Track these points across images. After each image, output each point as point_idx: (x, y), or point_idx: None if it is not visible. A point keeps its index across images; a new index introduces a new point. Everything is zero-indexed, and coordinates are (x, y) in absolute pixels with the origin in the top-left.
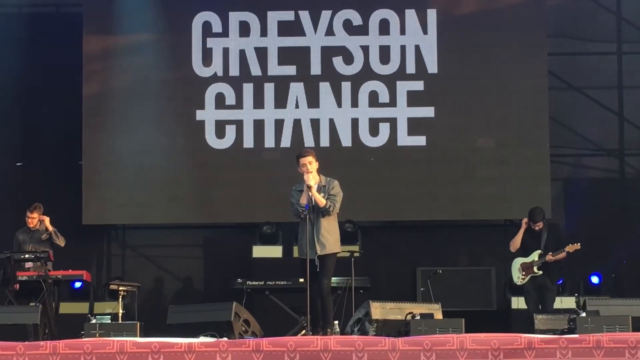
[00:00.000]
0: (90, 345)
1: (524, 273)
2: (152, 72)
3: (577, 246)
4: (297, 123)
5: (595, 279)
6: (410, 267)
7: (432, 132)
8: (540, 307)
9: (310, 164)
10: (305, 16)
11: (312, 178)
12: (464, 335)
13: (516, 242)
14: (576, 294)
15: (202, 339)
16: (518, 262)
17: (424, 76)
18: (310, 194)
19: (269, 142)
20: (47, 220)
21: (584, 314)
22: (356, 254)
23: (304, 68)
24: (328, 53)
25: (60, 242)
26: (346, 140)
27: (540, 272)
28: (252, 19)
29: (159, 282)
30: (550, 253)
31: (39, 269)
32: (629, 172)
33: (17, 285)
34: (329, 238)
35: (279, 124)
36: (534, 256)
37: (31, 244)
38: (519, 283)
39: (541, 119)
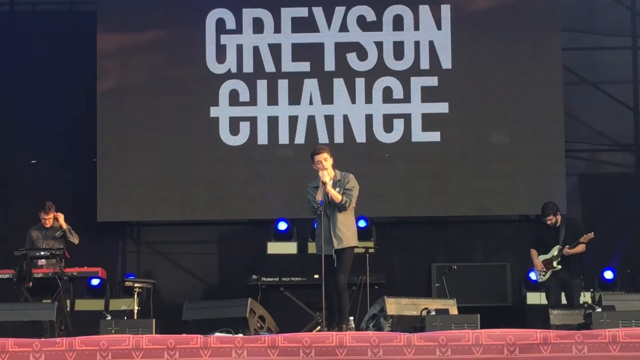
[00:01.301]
0: (106, 342)
1: (544, 269)
2: (166, 68)
3: (591, 235)
4: (311, 119)
5: (608, 274)
6: (425, 263)
7: (446, 128)
8: (566, 302)
9: (325, 160)
10: (318, 12)
11: (327, 174)
12: (480, 331)
13: (538, 264)
14: (591, 289)
15: (218, 335)
16: (539, 259)
17: (438, 72)
18: (325, 190)
19: (283, 138)
20: (61, 217)
21: (599, 309)
22: (371, 250)
23: (318, 64)
24: (342, 49)
25: (75, 239)
26: (360, 137)
27: (560, 267)
28: (265, 15)
29: (174, 278)
30: (567, 246)
31: (53, 265)
32: None
33: (30, 283)
34: (346, 232)
35: (293, 121)
36: (553, 252)
37: (45, 241)
38: (540, 280)
39: (556, 113)
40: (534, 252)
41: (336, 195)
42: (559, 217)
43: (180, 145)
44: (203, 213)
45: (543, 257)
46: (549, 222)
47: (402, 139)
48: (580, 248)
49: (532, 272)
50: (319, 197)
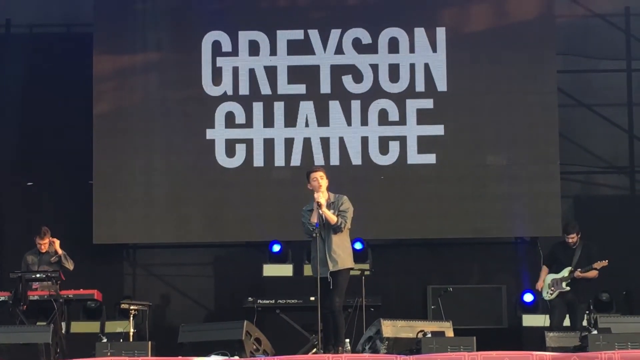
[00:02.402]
0: None
1: (552, 288)
2: (162, 91)
3: (605, 263)
4: (307, 142)
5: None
6: (421, 285)
7: (442, 150)
8: (570, 324)
9: (322, 178)
10: (314, 35)
11: (322, 196)
12: (476, 353)
13: (539, 284)
14: (587, 312)
15: (214, 358)
16: (549, 277)
17: (434, 94)
18: (320, 211)
19: (279, 160)
20: (57, 243)
21: (595, 332)
22: (367, 272)
23: (314, 87)
24: (337, 71)
25: (69, 265)
26: (356, 159)
27: (568, 288)
28: (261, 38)
29: (170, 301)
30: (579, 270)
31: (49, 288)
32: (639, 189)
33: (25, 306)
34: (341, 254)
35: (288, 143)
36: (564, 272)
37: (40, 266)
38: (547, 298)
39: (551, 136)
40: (544, 269)
41: (331, 216)
42: (578, 238)
43: (176, 167)
44: (199, 235)
45: (553, 275)
46: (570, 241)
47: (398, 161)
48: (593, 274)
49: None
50: (314, 219)
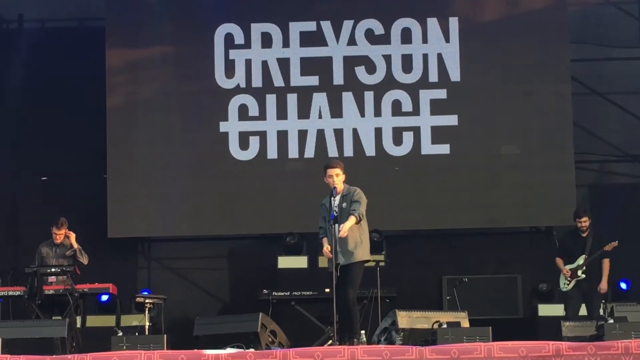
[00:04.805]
0: (118, 358)
1: (569, 278)
2: (175, 84)
3: (615, 243)
4: (320, 133)
5: (623, 285)
6: (436, 276)
7: (456, 140)
8: (587, 313)
9: (337, 176)
10: (327, 26)
11: (345, 228)
12: (492, 344)
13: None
14: (603, 300)
15: (229, 350)
16: (564, 268)
17: (447, 84)
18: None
19: (293, 152)
20: (73, 237)
21: (611, 321)
22: (382, 264)
23: (327, 78)
24: (350, 63)
25: (84, 260)
26: (370, 150)
27: (584, 276)
28: (274, 30)
29: (185, 294)
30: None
31: (64, 282)
32: None
33: (39, 300)
34: (353, 248)
35: (302, 135)
36: (579, 261)
37: (55, 260)
38: (564, 289)
39: (565, 125)
40: (559, 260)
41: (350, 223)
42: (590, 223)
43: (190, 160)
44: (213, 228)
45: (568, 266)
46: (583, 225)
47: (412, 151)
48: (607, 265)
49: (622, 283)
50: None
